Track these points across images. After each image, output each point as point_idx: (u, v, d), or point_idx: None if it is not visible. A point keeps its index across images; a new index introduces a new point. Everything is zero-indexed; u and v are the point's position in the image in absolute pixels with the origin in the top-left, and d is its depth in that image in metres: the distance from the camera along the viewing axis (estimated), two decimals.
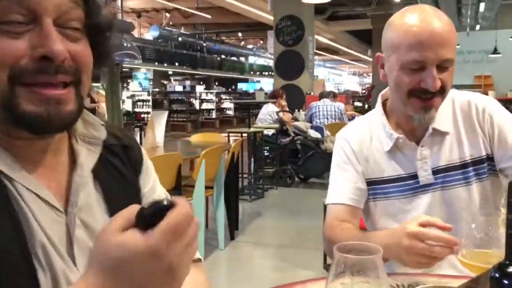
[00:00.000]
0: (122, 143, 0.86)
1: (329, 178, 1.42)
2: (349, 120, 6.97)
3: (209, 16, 17.93)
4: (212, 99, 20.54)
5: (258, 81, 30.33)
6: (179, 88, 22.39)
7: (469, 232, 0.98)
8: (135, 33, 19.35)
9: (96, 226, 0.75)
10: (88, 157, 0.78)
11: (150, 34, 19.66)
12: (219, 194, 4.14)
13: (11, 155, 0.69)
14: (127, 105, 16.11)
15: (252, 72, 29.41)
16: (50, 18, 0.67)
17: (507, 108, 1.37)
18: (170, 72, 24.86)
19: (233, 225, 4.44)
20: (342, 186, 1.36)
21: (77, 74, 0.70)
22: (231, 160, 4.34)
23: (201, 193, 3.64)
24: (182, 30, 22.35)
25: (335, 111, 7.49)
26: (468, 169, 1.29)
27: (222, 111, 21.23)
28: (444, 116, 1.32)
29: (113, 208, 0.78)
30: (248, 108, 8.13)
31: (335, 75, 41.28)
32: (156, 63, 20.25)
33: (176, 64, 21.56)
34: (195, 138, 5.26)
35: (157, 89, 20.87)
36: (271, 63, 22.21)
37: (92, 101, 7.93)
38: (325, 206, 1.41)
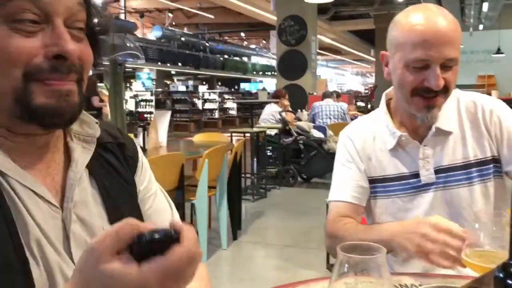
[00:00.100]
0: (117, 141, 0.88)
1: (331, 178, 1.43)
2: (352, 120, 6.96)
3: (212, 16, 17.96)
4: (215, 99, 20.52)
5: (261, 81, 30.34)
6: (182, 88, 22.38)
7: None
8: (138, 33, 19.40)
9: (92, 221, 0.77)
10: (82, 154, 0.79)
11: (153, 34, 19.68)
12: (222, 194, 4.13)
13: (5, 151, 0.70)
14: (130, 105, 16.15)
15: (255, 72, 29.41)
16: (61, 19, 0.69)
17: (511, 107, 1.36)
18: (173, 72, 24.89)
19: (235, 225, 4.44)
20: (345, 184, 1.37)
21: (81, 72, 0.73)
22: (234, 160, 4.33)
23: (204, 193, 3.64)
24: (185, 30, 22.38)
25: (338, 111, 7.49)
26: (471, 169, 1.29)
27: (225, 111, 21.20)
28: (448, 115, 1.31)
29: (109, 204, 0.80)
30: (251, 108, 8.11)
31: (338, 75, 41.26)
32: (159, 63, 20.28)
33: (179, 64, 21.58)
34: (198, 138, 5.25)
35: (160, 89, 20.88)
36: (273, 63, 22.24)
37: (101, 100, 7.98)
38: (327, 206, 1.41)
